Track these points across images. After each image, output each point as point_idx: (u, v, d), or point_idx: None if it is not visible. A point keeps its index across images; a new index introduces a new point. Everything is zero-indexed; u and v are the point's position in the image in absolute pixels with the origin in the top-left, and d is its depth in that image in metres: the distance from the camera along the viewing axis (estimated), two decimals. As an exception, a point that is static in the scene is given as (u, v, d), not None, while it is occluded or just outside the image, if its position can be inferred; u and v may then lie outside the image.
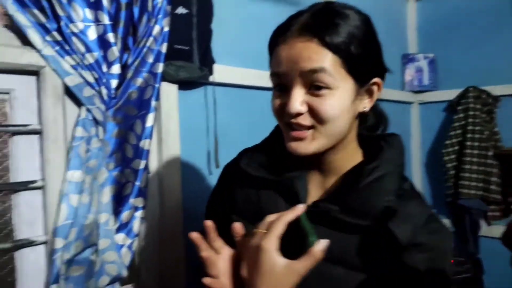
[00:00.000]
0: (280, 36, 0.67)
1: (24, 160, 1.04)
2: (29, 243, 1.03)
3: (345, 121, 0.67)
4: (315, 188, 0.74)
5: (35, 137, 1.06)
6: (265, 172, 0.75)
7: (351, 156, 0.74)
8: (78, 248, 1.01)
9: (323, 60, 0.63)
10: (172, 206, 1.29)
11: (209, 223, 0.71)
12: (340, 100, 0.65)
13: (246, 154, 0.81)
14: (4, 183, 1.03)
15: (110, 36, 1.08)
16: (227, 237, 0.70)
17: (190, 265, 1.30)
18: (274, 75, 0.69)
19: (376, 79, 0.70)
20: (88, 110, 1.06)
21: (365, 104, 0.71)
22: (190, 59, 1.27)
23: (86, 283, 1.03)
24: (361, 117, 0.74)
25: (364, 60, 0.66)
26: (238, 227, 0.68)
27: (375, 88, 0.70)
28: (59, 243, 0.98)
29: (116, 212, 1.11)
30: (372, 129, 0.79)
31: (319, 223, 0.67)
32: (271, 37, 0.71)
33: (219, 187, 0.89)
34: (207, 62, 1.33)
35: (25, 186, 1.03)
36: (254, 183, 0.76)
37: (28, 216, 1.05)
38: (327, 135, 0.66)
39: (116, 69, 1.11)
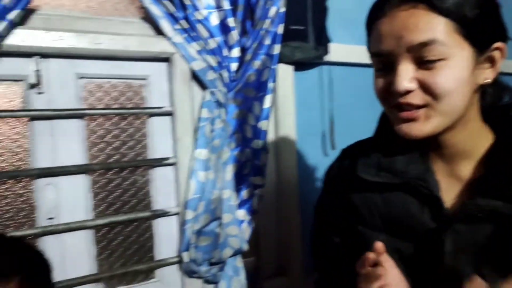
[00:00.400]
0: (379, 10, 0.60)
1: (159, 139, 1.16)
2: (164, 213, 1.15)
3: (464, 95, 0.57)
4: (443, 178, 0.64)
5: (167, 118, 1.17)
6: (388, 176, 0.66)
7: (478, 135, 0.64)
8: (206, 220, 1.09)
9: (433, 27, 0.54)
10: (289, 184, 1.31)
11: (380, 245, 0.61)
12: (457, 70, 0.56)
13: (360, 159, 0.71)
14: (144, 159, 1.16)
15: (230, 21, 1.12)
16: (350, 248, 0.66)
17: (306, 241, 1.32)
18: (375, 56, 0.61)
19: (498, 44, 0.58)
20: (212, 93, 1.12)
21: (487, 75, 0.60)
22: (305, 39, 1.26)
23: (212, 253, 1.11)
24: (482, 92, 0.63)
25: (482, 22, 0.56)
26: (379, 247, 0.59)
27: (497, 54, 0.59)
28: (189, 214, 1.08)
29: (237, 189, 1.17)
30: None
31: (470, 221, 0.58)
32: (369, 13, 0.63)
33: (330, 195, 0.79)
34: (323, 41, 1.30)
35: (160, 162, 1.15)
36: (376, 186, 0.68)
37: (163, 189, 1.17)
38: (443, 113, 0.58)
39: (235, 52, 1.16)
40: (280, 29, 1.17)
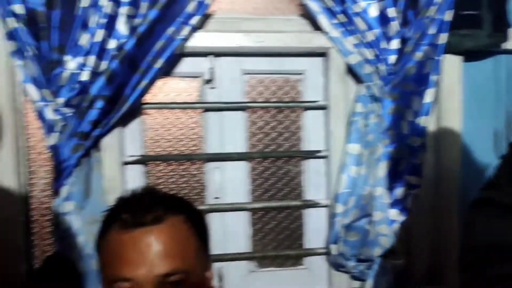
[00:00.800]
0: None
1: (312, 132, 1.20)
2: (314, 204, 1.18)
3: None
4: None
5: (321, 112, 1.19)
6: None
7: None
8: (355, 216, 1.08)
9: None
10: (449, 186, 1.19)
11: None
12: None
13: None
14: (298, 151, 1.21)
15: (391, 11, 1.07)
16: None
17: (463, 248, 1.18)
18: None
19: None
20: (367, 87, 1.10)
21: None
22: (478, 25, 1.11)
23: (360, 250, 1.10)
24: None
25: None
26: None
27: None
28: (339, 208, 1.08)
29: (391, 187, 1.12)
30: None
31: None
32: None
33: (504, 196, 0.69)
34: (501, 26, 1.13)
35: (313, 154, 1.19)
36: None
37: (314, 180, 1.20)
38: None
39: (395, 44, 1.10)
40: (448, 16, 1.07)
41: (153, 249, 0.56)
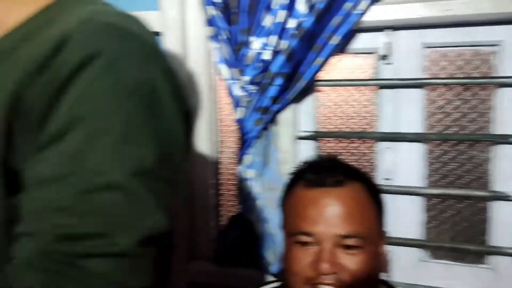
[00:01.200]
0: None
1: (508, 113, 1.02)
2: (505, 197, 1.02)
3: None
4: None
5: (521, 90, 1.01)
6: None
7: None
8: None
9: None
10: None
11: None
12: None
13: None
14: (486, 134, 1.06)
15: None
16: None
17: None
18: None
19: None
20: None
21: None
22: None
23: None
24: None
25: None
26: None
27: None
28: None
29: None
30: None
31: None
32: None
33: None
34: None
35: (505, 139, 1.02)
36: None
37: (506, 170, 1.03)
38: None
39: None
40: None
41: (332, 209, 0.60)
